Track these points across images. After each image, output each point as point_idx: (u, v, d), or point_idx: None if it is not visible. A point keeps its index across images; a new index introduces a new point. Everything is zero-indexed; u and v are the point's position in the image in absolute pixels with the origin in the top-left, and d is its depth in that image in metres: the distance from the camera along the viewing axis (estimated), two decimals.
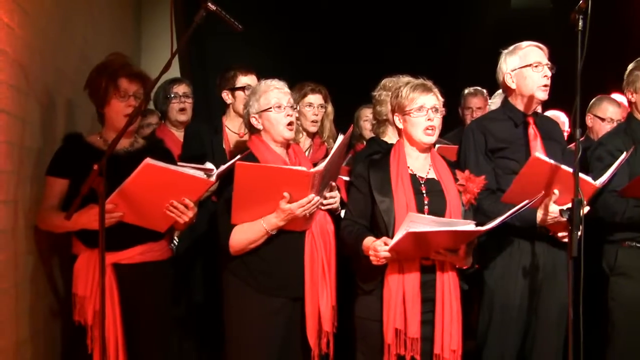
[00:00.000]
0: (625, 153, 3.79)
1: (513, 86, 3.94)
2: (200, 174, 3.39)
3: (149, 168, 3.25)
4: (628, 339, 4.04)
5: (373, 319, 3.46)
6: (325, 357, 3.63)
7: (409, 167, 3.56)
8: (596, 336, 4.03)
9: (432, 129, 3.52)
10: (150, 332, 3.60)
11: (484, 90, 5.98)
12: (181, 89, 5.19)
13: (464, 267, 3.52)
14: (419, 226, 3.21)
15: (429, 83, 3.60)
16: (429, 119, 3.50)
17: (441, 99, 3.58)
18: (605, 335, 4.12)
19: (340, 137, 3.49)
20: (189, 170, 3.38)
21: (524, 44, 3.94)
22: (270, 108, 3.63)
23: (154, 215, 3.45)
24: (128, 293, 3.52)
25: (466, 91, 6.13)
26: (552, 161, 3.58)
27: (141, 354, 3.58)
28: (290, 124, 3.65)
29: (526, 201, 3.40)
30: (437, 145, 4.01)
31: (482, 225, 3.35)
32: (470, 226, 3.33)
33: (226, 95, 4.52)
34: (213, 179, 3.42)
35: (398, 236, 3.24)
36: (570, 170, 3.44)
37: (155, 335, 3.64)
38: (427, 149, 3.60)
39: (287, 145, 3.74)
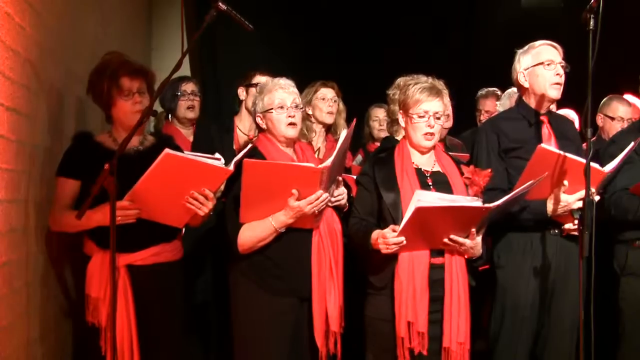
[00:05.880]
0: (633, 142, 3.78)
1: (526, 85, 3.94)
2: (219, 163, 3.37)
3: (169, 158, 3.22)
4: (639, 339, 4.02)
5: (383, 319, 3.46)
6: (334, 357, 3.62)
7: (413, 163, 3.57)
8: (608, 336, 4.02)
9: (431, 135, 3.53)
10: (163, 334, 3.58)
11: (498, 92, 5.93)
12: (189, 86, 5.16)
13: (474, 257, 3.50)
14: (427, 203, 3.20)
15: (440, 85, 3.58)
16: (429, 125, 3.51)
17: (447, 104, 3.58)
18: (616, 336, 4.11)
19: (344, 132, 3.48)
20: (207, 159, 3.35)
21: (538, 42, 3.94)
22: (273, 109, 3.63)
23: (173, 209, 3.42)
24: (142, 294, 3.49)
25: (478, 93, 6.09)
26: (558, 151, 3.57)
27: (154, 356, 3.55)
28: (292, 123, 3.63)
29: (531, 181, 3.41)
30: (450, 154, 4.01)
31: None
32: (477, 203, 3.33)
33: (241, 92, 4.56)
34: (231, 167, 3.38)
35: (407, 215, 3.24)
36: (577, 158, 3.45)
37: (169, 337, 3.62)
38: (428, 149, 3.61)
39: (293, 144, 3.73)
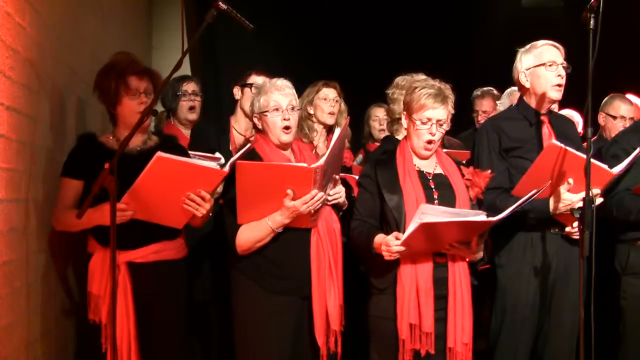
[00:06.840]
0: None
1: (527, 85, 3.93)
2: (213, 165, 3.37)
3: (161, 161, 3.23)
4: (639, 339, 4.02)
5: (388, 318, 3.45)
6: (334, 356, 3.62)
7: (415, 165, 3.56)
8: (608, 336, 4.02)
9: (432, 143, 3.51)
10: (164, 332, 3.59)
11: (494, 91, 5.92)
12: (190, 86, 5.15)
13: (475, 260, 3.50)
14: (432, 217, 3.20)
15: (447, 91, 3.52)
16: (430, 132, 3.48)
17: (451, 110, 3.55)
18: (617, 335, 4.11)
19: (337, 131, 3.48)
20: (201, 161, 3.35)
21: (540, 42, 3.93)
22: (268, 111, 3.62)
23: (170, 210, 3.43)
24: (142, 292, 3.51)
25: (474, 93, 6.07)
26: (568, 147, 3.55)
27: (155, 354, 3.56)
28: (287, 127, 3.62)
29: (534, 190, 3.38)
30: (444, 150, 4.01)
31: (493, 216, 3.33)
32: (481, 217, 3.31)
33: (236, 91, 4.54)
34: (226, 168, 3.38)
35: (411, 228, 3.23)
36: (585, 156, 3.43)
37: (170, 335, 3.62)
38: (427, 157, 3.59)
39: (288, 146, 3.72)
